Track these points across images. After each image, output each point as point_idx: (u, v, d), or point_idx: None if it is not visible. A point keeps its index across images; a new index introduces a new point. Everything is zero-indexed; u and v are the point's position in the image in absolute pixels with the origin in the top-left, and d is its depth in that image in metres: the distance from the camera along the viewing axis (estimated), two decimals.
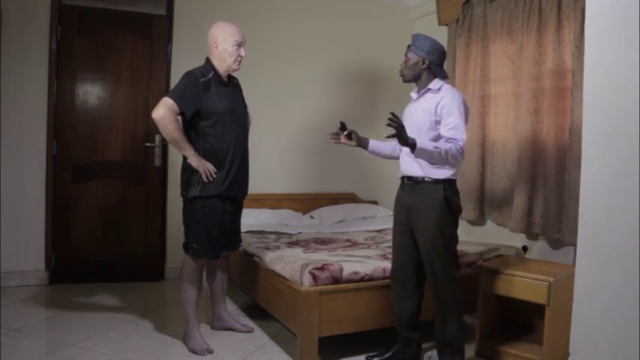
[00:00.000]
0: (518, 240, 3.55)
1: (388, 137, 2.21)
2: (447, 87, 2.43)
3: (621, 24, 2.02)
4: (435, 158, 2.27)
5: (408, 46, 2.48)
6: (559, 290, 2.49)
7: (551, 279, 2.47)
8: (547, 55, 3.32)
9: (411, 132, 2.33)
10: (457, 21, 4.04)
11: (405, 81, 2.52)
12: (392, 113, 2.16)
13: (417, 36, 2.48)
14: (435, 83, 2.44)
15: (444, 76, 2.48)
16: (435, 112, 2.37)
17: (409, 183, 2.46)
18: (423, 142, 2.25)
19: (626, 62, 2.00)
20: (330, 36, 4.59)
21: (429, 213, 2.36)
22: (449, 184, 2.39)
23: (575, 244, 2.55)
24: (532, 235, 3.48)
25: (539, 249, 3.44)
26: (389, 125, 2.16)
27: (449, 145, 2.27)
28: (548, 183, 3.28)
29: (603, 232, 2.08)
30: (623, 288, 1.99)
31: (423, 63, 2.43)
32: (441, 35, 4.20)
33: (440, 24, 4.19)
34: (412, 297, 2.51)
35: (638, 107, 1.95)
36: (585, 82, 2.19)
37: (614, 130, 2.05)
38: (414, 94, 2.54)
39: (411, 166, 2.44)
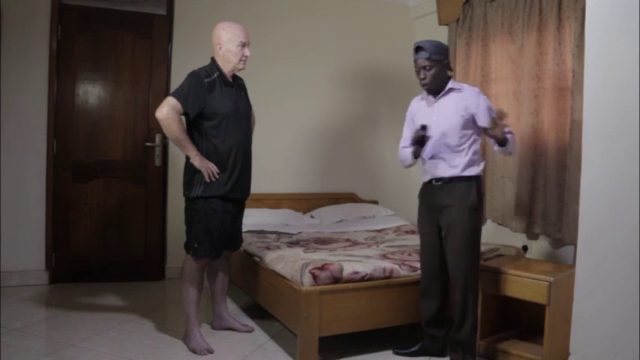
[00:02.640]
0: (518, 240, 3.55)
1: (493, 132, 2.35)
2: (466, 85, 2.52)
3: (621, 24, 2.02)
4: (514, 144, 2.46)
5: (427, 58, 2.38)
6: (559, 290, 2.49)
7: (551, 279, 2.47)
8: (547, 55, 3.32)
9: (435, 132, 2.42)
10: (457, 20, 4.03)
11: (433, 92, 2.49)
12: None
13: (429, 43, 2.40)
14: (453, 82, 2.49)
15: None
16: (472, 110, 2.42)
17: (438, 184, 2.48)
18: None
19: (626, 62, 1.99)
20: (330, 36, 4.58)
21: (461, 211, 2.40)
22: (479, 180, 2.44)
23: (575, 244, 2.55)
24: (532, 235, 3.48)
25: (539, 249, 3.44)
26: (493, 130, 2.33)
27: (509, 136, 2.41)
28: (548, 183, 3.28)
29: (603, 232, 2.08)
30: (623, 288, 1.99)
31: (448, 67, 2.46)
32: (441, 35, 4.20)
33: (440, 23, 4.19)
34: (437, 296, 2.56)
35: (639, 107, 1.95)
36: (585, 82, 2.18)
37: (615, 129, 2.05)
38: (429, 98, 2.52)
39: (439, 167, 2.46)
